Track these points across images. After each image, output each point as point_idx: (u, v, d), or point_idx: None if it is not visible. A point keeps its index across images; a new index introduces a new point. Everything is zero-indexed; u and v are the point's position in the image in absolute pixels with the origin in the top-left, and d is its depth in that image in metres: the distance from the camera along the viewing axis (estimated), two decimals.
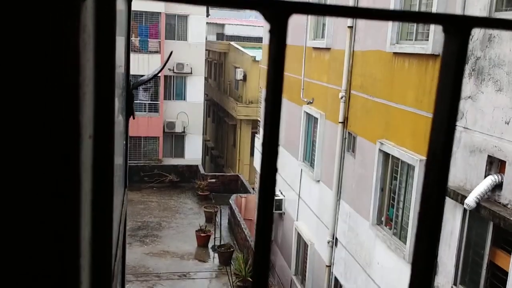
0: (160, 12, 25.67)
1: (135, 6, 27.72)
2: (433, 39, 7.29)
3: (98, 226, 0.74)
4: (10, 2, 0.45)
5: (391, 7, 8.52)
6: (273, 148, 0.58)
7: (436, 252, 0.60)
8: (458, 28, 0.56)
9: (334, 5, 0.53)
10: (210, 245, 17.90)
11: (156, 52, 25.75)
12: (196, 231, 18.07)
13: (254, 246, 0.52)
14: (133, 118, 1.79)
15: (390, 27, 8.59)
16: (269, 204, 0.59)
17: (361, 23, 9.99)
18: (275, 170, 0.58)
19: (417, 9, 8.10)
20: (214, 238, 17.79)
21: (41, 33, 0.45)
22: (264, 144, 0.58)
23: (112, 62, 0.73)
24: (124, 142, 1.72)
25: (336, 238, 11.02)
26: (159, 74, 25.52)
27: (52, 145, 0.48)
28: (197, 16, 26.62)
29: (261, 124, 18.38)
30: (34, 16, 0.45)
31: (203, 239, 17.83)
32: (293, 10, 0.53)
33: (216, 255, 17.06)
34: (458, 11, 6.81)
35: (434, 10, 7.34)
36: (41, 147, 0.48)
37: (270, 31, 0.56)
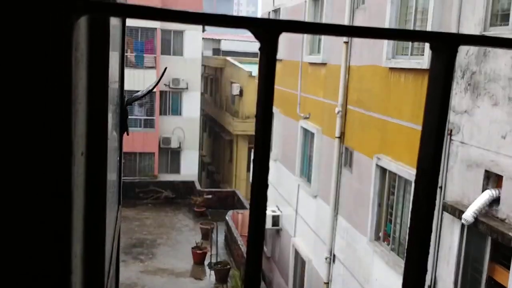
0: (156, 28, 25.81)
1: (130, 22, 27.94)
2: (429, 54, 7.35)
3: (90, 243, 0.74)
4: (2, 19, 0.45)
5: (386, 21, 8.61)
6: (264, 163, 0.58)
7: (427, 265, 0.60)
8: (445, 46, 0.56)
9: (322, 24, 0.54)
10: (206, 262, 17.75)
11: (152, 67, 25.84)
12: (192, 248, 17.93)
13: (246, 256, 0.52)
14: (127, 134, 1.79)
15: (385, 42, 8.67)
16: (261, 220, 0.59)
17: (357, 39, 10.08)
18: (265, 185, 0.58)
19: (412, 24, 8.19)
20: (211, 255, 17.65)
21: (34, 51, 0.46)
22: (255, 161, 0.58)
23: (105, 80, 0.73)
24: (118, 158, 1.72)
25: (334, 254, 10.96)
26: (155, 90, 25.58)
27: (43, 162, 0.48)
28: (193, 31, 26.79)
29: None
30: (26, 34, 0.46)
31: (199, 256, 17.68)
32: (282, 28, 0.54)
33: (213, 272, 16.91)
34: (453, 26, 6.89)
35: (429, 24, 7.42)
36: (31, 163, 0.48)
37: (260, 49, 0.57)
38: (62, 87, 0.47)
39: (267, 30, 0.55)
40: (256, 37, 0.56)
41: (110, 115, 1.41)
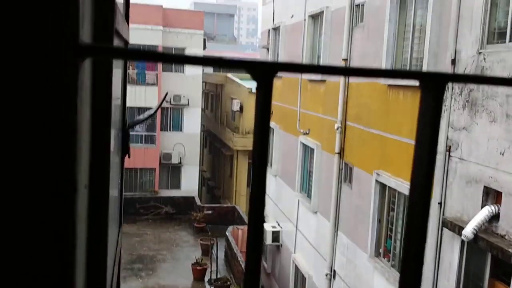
0: (158, 45, 26.02)
1: (132, 39, 28.01)
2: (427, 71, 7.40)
3: (92, 275, 0.76)
4: (12, 59, 0.48)
5: (385, 39, 8.70)
6: (260, 203, 0.60)
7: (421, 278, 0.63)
8: (433, 84, 0.59)
9: (317, 65, 0.57)
10: (206, 278, 17.64)
11: (153, 84, 25.99)
12: (192, 264, 17.84)
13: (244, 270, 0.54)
14: (129, 157, 1.82)
15: (384, 59, 8.74)
16: (259, 235, 0.61)
17: (356, 56, 10.16)
18: (262, 221, 0.60)
19: (410, 41, 8.26)
20: (211, 271, 17.54)
21: (39, 94, 0.48)
22: (251, 199, 0.60)
23: (108, 114, 0.76)
24: (119, 181, 1.74)
25: (334, 271, 10.90)
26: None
27: (47, 195, 0.50)
28: (194, 49, 26.99)
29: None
30: (32, 77, 0.48)
31: (199, 273, 17.58)
32: (277, 69, 0.57)
33: None
34: (450, 43, 6.95)
35: (426, 42, 7.49)
36: (37, 197, 0.50)
37: (257, 88, 0.59)
38: (67, 125, 0.49)
39: (263, 71, 0.58)
40: (253, 77, 0.59)
41: (112, 140, 1.43)
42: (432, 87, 0.59)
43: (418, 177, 0.65)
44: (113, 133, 1.37)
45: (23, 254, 0.51)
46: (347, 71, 0.57)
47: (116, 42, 1.10)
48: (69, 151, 0.50)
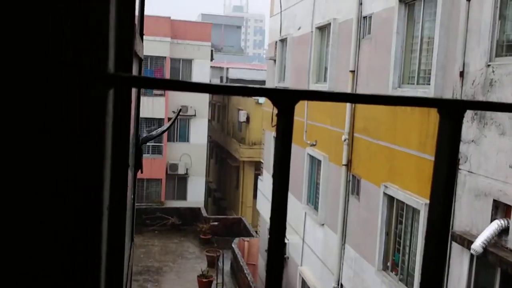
0: (165, 57, 26.21)
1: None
2: (435, 83, 7.40)
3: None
4: (47, 90, 0.50)
5: (392, 51, 8.71)
6: (281, 225, 0.61)
7: None
8: (451, 111, 0.60)
9: (337, 92, 0.58)
10: None
11: (161, 95, 26.13)
12: (197, 276, 17.77)
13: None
14: (141, 172, 1.83)
15: (392, 71, 8.75)
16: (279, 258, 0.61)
17: (363, 68, 10.18)
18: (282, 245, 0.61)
19: (418, 54, 8.26)
20: (216, 283, 17.46)
21: (70, 122, 0.50)
22: (272, 219, 0.61)
23: (126, 141, 0.77)
24: (132, 196, 1.75)
25: (341, 284, 10.82)
26: (163, 116, 25.78)
27: (75, 218, 0.51)
28: (201, 60, 27.15)
29: (264, 166, 18.15)
30: (65, 103, 0.50)
31: (205, 285, 17.50)
32: (299, 97, 0.58)
33: None
34: (458, 56, 6.95)
35: (434, 55, 7.49)
36: (67, 221, 0.51)
37: (278, 116, 0.61)
38: (96, 149, 0.51)
39: (285, 99, 0.59)
40: (274, 104, 0.60)
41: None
42: (450, 115, 0.60)
43: (435, 203, 0.66)
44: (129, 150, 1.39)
45: (60, 272, 0.52)
46: (367, 98, 0.59)
47: (134, 62, 1.12)
48: (98, 177, 0.51)
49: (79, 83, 0.48)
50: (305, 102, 10.69)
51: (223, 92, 0.56)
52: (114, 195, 0.73)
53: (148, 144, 26.63)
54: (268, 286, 0.56)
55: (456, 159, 0.62)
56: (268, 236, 0.60)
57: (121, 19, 0.75)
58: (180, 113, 26.80)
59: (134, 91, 1.29)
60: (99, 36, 0.50)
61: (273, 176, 0.60)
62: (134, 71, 1.22)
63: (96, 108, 0.49)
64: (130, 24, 0.82)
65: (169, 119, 26.59)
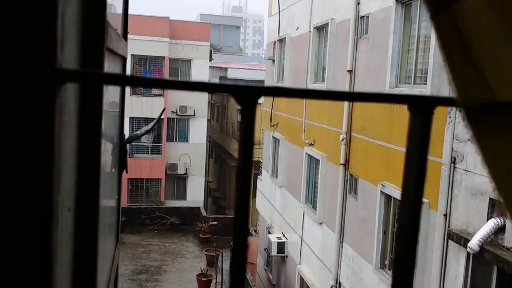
0: (164, 57, 26.18)
1: (139, 51, 28.09)
2: (432, 83, 7.39)
3: None
4: None
5: (389, 51, 8.69)
6: (243, 224, 0.59)
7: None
8: (421, 107, 0.58)
9: (300, 89, 0.56)
10: None
11: (160, 95, 26.10)
12: (197, 275, 17.77)
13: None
14: (126, 172, 1.81)
15: (388, 70, 8.74)
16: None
17: (360, 67, 10.16)
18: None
19: (414, 53, 8.25)
20: (216, 282, 17.47)
21: (16, 119, 0.48)
22: (235, 220, 0.59)
23: (97, 141, 0.75)
24: (117, 197, 1.74)
25: (340, 282, 10.81)
26: (162, 117, 25.76)
27: (23, 222, 0.49)
28: (200, 60, 27.13)
29: (263, 165, 18.19)
30: (8, 98, 0.48)
31: (204, 284, 17.50)
32: (260, 93, 0.56)
33: None
34: None
35: (431, 54, 7.47)
36: (13, 220, 0.49)
37: (241, 112, 0.59)
38: (43, 152, 0.49)
39: (247, 96, 0.58)
40: (237, 101, 0.59)
41: (109, 153, 1.43)
42: (420, 112, 0.59)
43: (407, 202, 0.64)
44: (109, 148, 1.37)
45: None
46: (333, 95, 0.57)
47: (110, 60, 1.10)
48: (45, 174, 0.49)
49: (22, 78, 0.46)
50: (304, 102, 10.72)
51: (183, 88, 0.55)
52: (82, 196, 0.71)
53: (147, 144, 26.62)
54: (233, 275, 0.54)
55: (426, 156, 0.61)
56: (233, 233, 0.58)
57: (89, 15, 0.73)
58: (180, 113, 26.79)
59: (112, 89, 1.28)
60: (45, 29, 0.48)
61: (236, 174, 0.59)
62: (111, 69, 1.21)
63: (42, 104, 0.47)
64: (100, 21, 0.80)
65: (168, 118, 26.58)
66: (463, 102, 0.57)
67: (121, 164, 1.67)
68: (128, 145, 2.04)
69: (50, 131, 0.49)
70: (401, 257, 0.61)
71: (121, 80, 0.47)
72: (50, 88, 0.48)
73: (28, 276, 0.51)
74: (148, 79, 0.52)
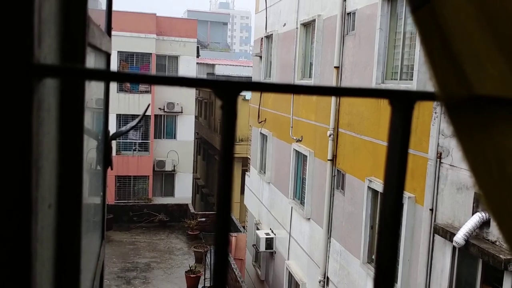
0: (151, 53, 26.03)
1: (126, 47, 27.90)
2: (417, 79, 7.45)
3: None
4: None
5: (376, 47, 8.74)
6: (225, 218, 0.59)
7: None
8: (402, 102, 0.58)
9: (279, 84, 0.56)
10: (200, 286, 17.55)
11: (147, 92, 25.96)
12: (185, 272, 17.75)
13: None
14: (111, 169, 1.80)
15: (375, 66, 8.78)
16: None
17: (347, 63, 10.20)
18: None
19: (400, 49, 8.30)
20: (204, 279, 17.47)
21: None
22: (217, 216, 0.59)
23: (79, 138, 0.74)
24: (102, 193, 1.72)
25: (328, 277, 10.88)
26: (149, 113, 25.64)
27: (0, 220, 0.49)
28: (187, 56, 27.02)
29: (251, 162, 18.15)
30: None
31: (192, 280, 17.49)
32: (241, 88, 0.56)
33: None
34: None
35: (417, 50, 7.53)
36: None
37: (221, 107, 0.59)
38: (21, 149, 0.48)
39: (227, 90, 0.57)
40: (218, 96, 0.58)
41: (94, 150, 1.42)
42: (401, 106, 0.59)
43: (389, 193, 0.65)
44: (93, 145, 1.36)
45: None
46: (315, 90, 0.57)
47: (93, 56, 1.09)
48: (23, 171, 0.48)
49: None
50: (291, 98, 10.72)
51: (163, 83, 0.54)
52: (64, 192, 0.70)
53: (134, 141, 26.47)
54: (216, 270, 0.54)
55: (407, 151, 0.61)
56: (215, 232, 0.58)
57: (69, 10, 0.72)
58: (167, 110, 26.66)
59: (96, 85, 1.26)
60: (20, 23, 0.47)
61: (218, 170, 0.59)
62: (94, 65, 1.20)
63: (18, 100, 0.47)
64: (81, 15, 0.79)
65: (156, 115, 26.45)
66: (443, 97, 0.57)
67: (106, 161, 1.66)
68: (114, 142, 2.03)
69: (27, 127, 0.48)
70: (382, 248, 0.61)
71: (99, 75, 0.46)
72: (26, 83, 0.47)
73: (6, 273, 0.50)
74: (128, 73, 0.52)
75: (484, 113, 0.53)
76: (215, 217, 0.55)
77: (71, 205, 0.73)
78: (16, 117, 0.47)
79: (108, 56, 1.63)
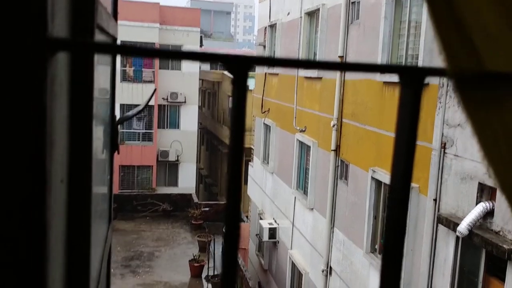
0: (154, 43, 25.97)
1: (129, 37, 27.83)
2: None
3: (73, 268, 0.75)
4: None
5: (380, 36, 8.69)
6: (236, 192, 0.60)
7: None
8: (412, 78, 0.59)
9: (289, 59, 0.56)
10: (203, 275, 17.67)
11: (150, 81, 25.94)
12: (189, 261, 17.86)
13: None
14: (118, 153, 1.81)
15: (380, 55, 8.74)
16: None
17: (352, 52, 10.16)
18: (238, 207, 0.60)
19: (405, 38, 8.25)
20: (208, 268, 17.57)
21: (4, 88, 0.47)
22: (228, 189, 0.60)
23: (89, 112, 0.75)
24: (109, 176, 1.73)
25: (331, 267, 10.93)
26: (153, 104, 25.65)
27: (16, 194, 0.49)
28: (190, 46, 26.94)
29: (254, 152, 18.19)
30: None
31: (196, 269, 17.61)
32: (252, 62, 0.56)
33: (210, 285, 16.82)
34: None
35: (422, 39, 7.49)
36: (4, 196, 0.49)
37: (233, 82, 0.59)
38: (35, 122, 0.49)
39: (238, 65, 0.58)
40: (229, 71, 0.59)
41: (101, 134, 1.43)
42: (411, 82, 0.59)
43: (397, 175, 0.65)
44: (100, 128, 1.36)
45: None
46: (324, 65, 0.57)
47: (101, 38, 1.09)
48: (37, 144, 0.49)
49: (13, 47, 0.46)
50: (295, 88, 10.68)
51: (173, 57, 0.55)
52: (74, 169, 0.71)
53: (138, 131, 26.51)
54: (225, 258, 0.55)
55: (416, 128, 0.61)
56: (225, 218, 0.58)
57: None
58: (171, 100, 26.65)
59: (107, 68, 1.27)
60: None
61: (229, 146, 0.59)
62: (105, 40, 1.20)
63: (34, 74, 0.47)
64: None
65: (159, 105, 26.46)
66: (453, 72, 0.57)
67: (113, 145, 1.67)
68: (119, 129, 2.04)
69: (42, 99, 0.49)
70: (391, 225, 0.62)
71: (111, 49, 0.47)
72: (41, 57, 0.48)
73: (22, 244, 0.51)
74: (138, 48, 0.52)
75: (494, 88, 0.54)
76: (224, 207, 0.55)
77: (82, 180, 0.74)
78: (32, 89, 0.48)
79: (114, 40, 1.63)
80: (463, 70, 0.56)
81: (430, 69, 0.60)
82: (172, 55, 0.55)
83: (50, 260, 0.57)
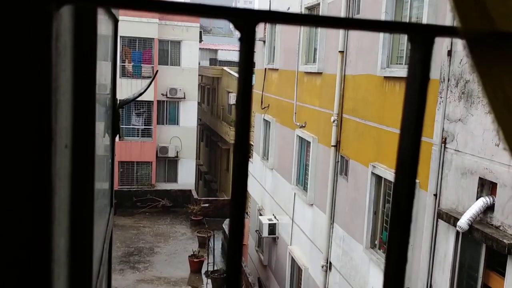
0: (153, 38, 25.92)
1: (128, 32, 27.78)
2: None
3: (77, 237, 0.74)
4: None
5: (380, 37, 8.67)
6: (243, 155, 0.59)
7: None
8: (422, 37, 0.58)
9: (298, 14, 0.55)
10: (203, 270, 17.68)
11: (149, 77, 25.88)
12: (189, 256, 17.88)
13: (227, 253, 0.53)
14: (119, 138, 1.81)
15: (380, 51, 8.72)
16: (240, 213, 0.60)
17: (352, 48, 10.14)
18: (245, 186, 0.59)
19: (406, 39, 8.22)
20: (208, 263, 17.59)
21: (11, 41, 0.46)
22: (235, 153, 0.58)
23: (92, 74, 0.74)
24: (110, 160, 1.73)
25: (330, 263, 10.93)
26: (152, 99, 25.61)
27: (22, 150, 0.48)
28: (190, 41, 26.89)
29: (254, 148, 18.17)
30: (3, 24, 0.47)
31: (196, 265, 17.62)
32: (260, 18, 0.55)
33: (210, 281, 16.83)
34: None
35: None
36: (9, 152, 0.48)
37: (240, 39, 0.58)
38: (41, 76, 0.48)
39: (246, 20, 0.57)
40: (236, 27, 0.57)
41: (102, 116, 1.42)
42: (421, 40, 0.58)
43: (405, 138, 0.64)
44: (102, 110, 1.35)
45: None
46: (331, 22, 0.56)
47: (103, 18, 1.08)
48: (43, 103, 0.48)
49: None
50: (295, 84, 10.65)
51: (177, 11, 0.53)
52: (77, 135, 0.70)
53: (137, 127, 26.48)
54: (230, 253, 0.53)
55: (427, 88, 0.60)
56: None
57: None
58: (170, 96, 26.61)
59: (107, 63, 1.26)
60: None
61: (236, 106, 0.58)
62: (109, 30, 1.19)
63: (39, 26, 0.46)
64: None
65: (158, 101, 26.42)
66: (464, 31, 0.56)
67: (115, 128, 1.66)
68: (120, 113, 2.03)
69: (48, 53, 0.47)
70: (398, 191, 0.60)
71: (112, 1, 0.46)
72: (46, 9, 0.47)
73: (26, 204, 0.50)
74: (149, 0, 0.51)
75: (505, 48, 0.53)
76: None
77: (86, 145, 0.73)
78: (37, 42, 0.47)
79: (116, 22, 1.62)
80: (474, 30, 0.55)
81: (440, 27, 0.59)
82: (177, 9, 0.54)
83: (55, 223, 0.56)
